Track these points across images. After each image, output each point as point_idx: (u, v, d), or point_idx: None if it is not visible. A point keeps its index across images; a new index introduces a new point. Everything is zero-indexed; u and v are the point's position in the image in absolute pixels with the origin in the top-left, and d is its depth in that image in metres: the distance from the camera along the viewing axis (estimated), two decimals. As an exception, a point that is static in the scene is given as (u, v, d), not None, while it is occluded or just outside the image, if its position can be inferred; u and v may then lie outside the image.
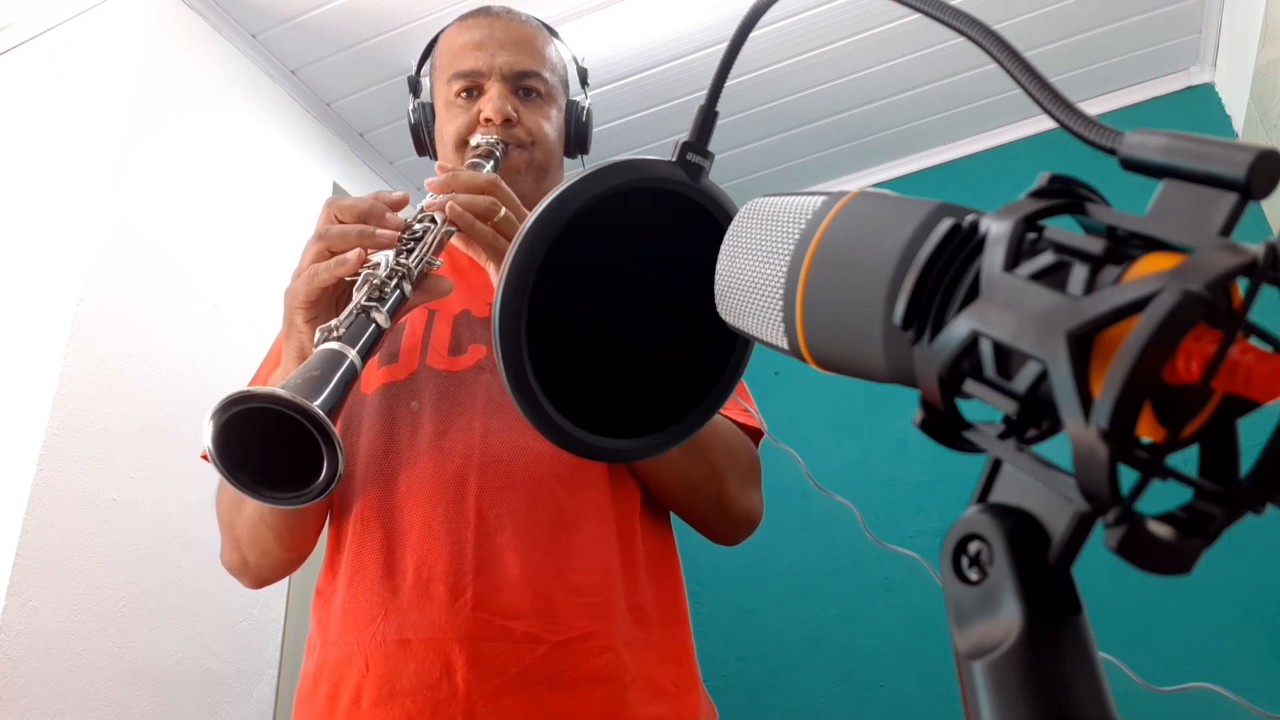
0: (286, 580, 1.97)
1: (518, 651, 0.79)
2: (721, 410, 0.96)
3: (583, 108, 1.10)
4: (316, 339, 0.70)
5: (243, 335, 2.00)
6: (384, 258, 0.77)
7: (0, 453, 1.59)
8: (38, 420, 1.57)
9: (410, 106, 1.10)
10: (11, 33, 2.16)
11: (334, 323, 0.70)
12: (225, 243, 2.03)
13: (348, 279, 0.76)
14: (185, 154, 2.00)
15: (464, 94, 1.02)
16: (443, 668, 0.78)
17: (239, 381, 1.98)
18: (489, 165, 0.93)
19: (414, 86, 1.12)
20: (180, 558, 1.72)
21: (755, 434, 0.97)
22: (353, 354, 0.68)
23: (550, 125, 1.04)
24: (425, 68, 1.13)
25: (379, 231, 0.77)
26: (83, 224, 1.76)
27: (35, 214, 1.87)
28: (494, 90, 1.00)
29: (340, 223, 0.78)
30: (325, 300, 0.78)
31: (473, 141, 0.98)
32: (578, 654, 0.80)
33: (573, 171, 0.71)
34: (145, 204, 1.86)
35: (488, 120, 0.99)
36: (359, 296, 0.72)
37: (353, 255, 0.75)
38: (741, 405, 1.00)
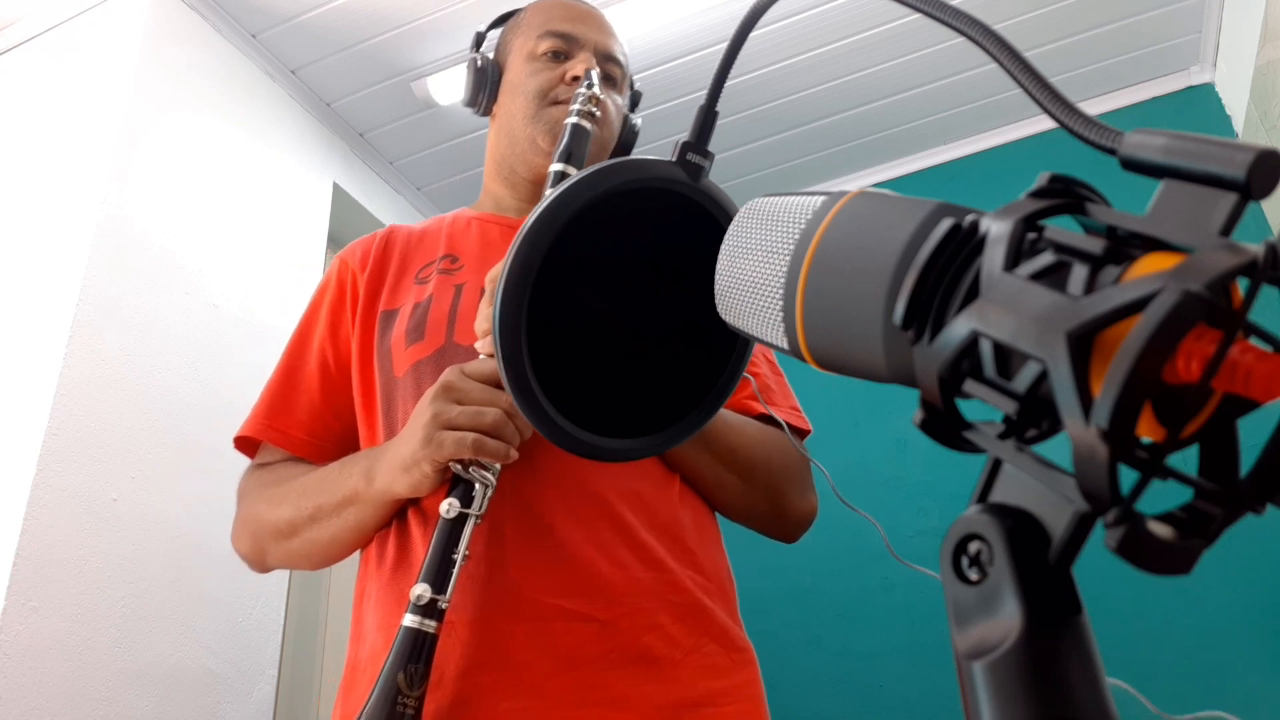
0: (287, 580, 1.98)
1: (566, 630, 0.78)
2: (773, 410, 0.95)
3: (635, 123, 1.13)
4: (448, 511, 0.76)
5: (243, 335, 2.00)
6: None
7: (0, 453, 1.59)
8: (38, 420, 1.57)
9: (475, 57, 1.10)
10: (12, 32, 2.16)
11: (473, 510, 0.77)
12: (225, 243, 2.03)
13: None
14: (185, 154, 2.00)
15: (551, 54, 1.04)
16: (490, 649, 0.77)
17: (239, 381, 1.99)
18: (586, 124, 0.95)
19: (479, 40, 1.12)
20: (180, 558, 1.72)
21: (804, 434, 0.99)
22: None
23: (616, 113, 1.06)
24: (491, 38, 1.14)
25: (512, 453, 0.78)
26: (83, 224, 1.76)
27: (35, 213, 1.87)
28: (585, 56, 1.03)
29: (508, 414, 0.78)
30: None
31: (575, 106, 0.96)
32: (627, 632, 0.79)
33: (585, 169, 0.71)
34: (145, 204, 1.86)
35: (575, 78, 1.01)
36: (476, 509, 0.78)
37: (501, 454, 0.77)
38: (789, 405, 1.00)
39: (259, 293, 2.08)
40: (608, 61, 1.05)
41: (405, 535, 0.86)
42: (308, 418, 0.97)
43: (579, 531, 0.82)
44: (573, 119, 0.94)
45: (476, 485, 0.77)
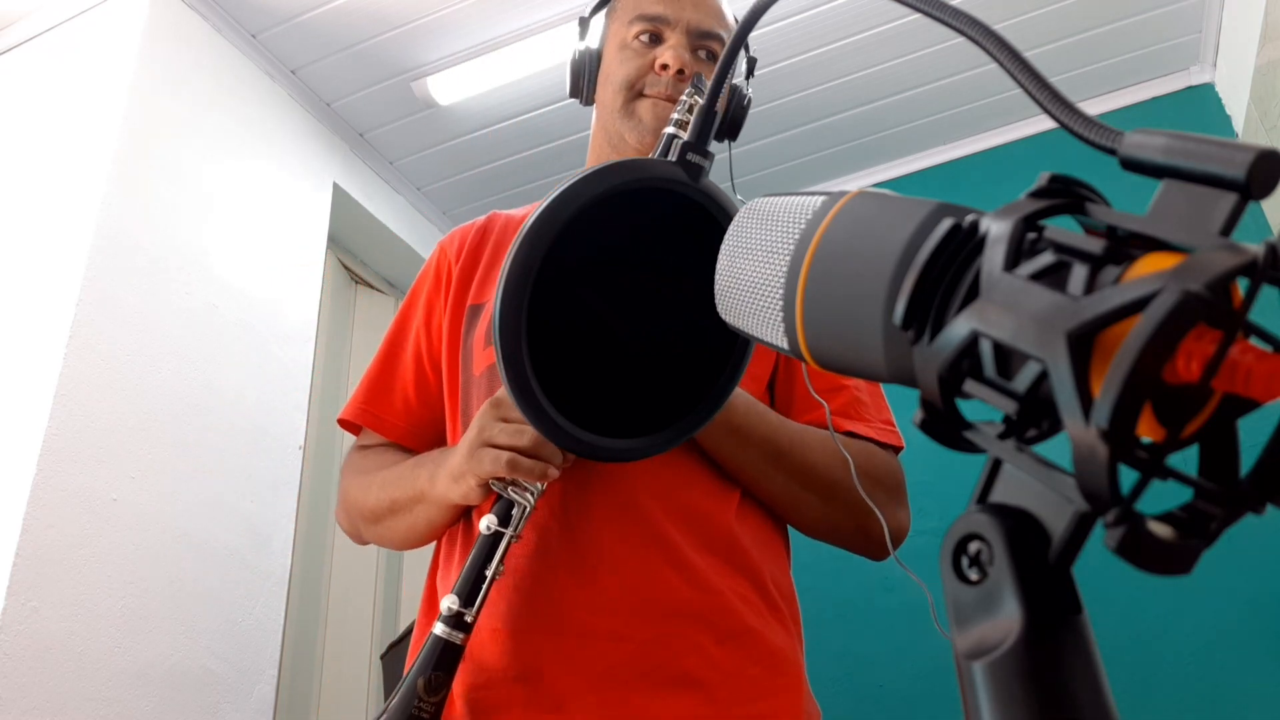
0: (286, 580, 1.98)
1: (604, 649, 0.78)
2: (863, 427, 0.92)
3: (745, 94, 1.06)
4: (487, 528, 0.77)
5: (243, 335, 2.00)
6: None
7: (0, 453, 1.59)
8: (38, 420, 1.57)
9: (577, 47, 1.06)
10: (12, 32, 2.16)
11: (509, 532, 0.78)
12: (225, 243, 2.03)
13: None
14: (185, 154, 2.00)
15: (643, 37, 1.00)
16: (529, 661, 0.78)
17: (239, 381, 1.99)
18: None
19: (583, 26, 1.07)
20: (180, 558, 1.72)
21: (896, 450, 0.96)
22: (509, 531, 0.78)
23: None
24: (594, 20, 1.09)
25: (551, 472, 0.78)
26: (82, 224, 1.76)
27: (35, 213, 1.87)
28: (675, 40, 0.98)
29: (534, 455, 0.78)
30: None
31: (675, 115, 0.87)
32: (666, 653, 0.79)
33: (573, 172, 0.71)
34: (145, 204, 1.86)
35: (664, 67, 0.97)
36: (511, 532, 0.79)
37: (536, 473, 0.77)
38: (881, 419, 0.97)
39: (259, 293, 2.08)
40: (704, 39, 0.99)
41: (469, 535, 0.88)
42: (403, 406, 1.00)
43: (623, 549, 0.82)
44: (670, 129, 0.86)
45: (515, 505, 0.78)
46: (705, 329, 0.66)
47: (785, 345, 0.36)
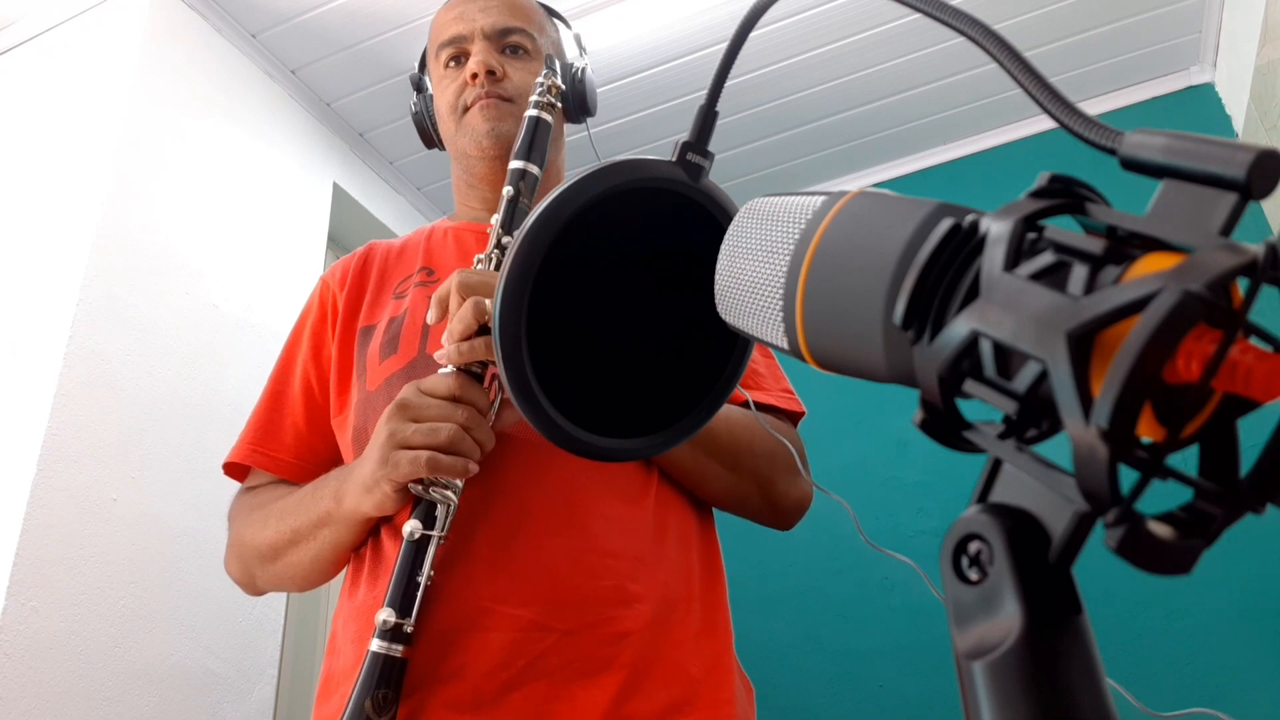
0: (286, 580, 1.98)
1: (525, 641, 0.77)
2: (763, 396, 0.93)
3: (578, 67, 1.06)
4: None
5: (243, 335, 2.00)
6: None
7: (0, 453, 1.59)
8: (38, 420, 1.57)
9: (412, 102, 1.10)
10: (11, 33, 2.16)
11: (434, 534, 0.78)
12: (225, 243, 2.03)
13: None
14: (185, 154, 2.00)
15: (452, 62, 1.02)
16: (449, 662, 0.76)
17: (239, 381, 1.99)
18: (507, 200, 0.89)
19: (417, 84, 1.11)
20: (180, 558, 1.72)
21: (796, 416, 0.97)
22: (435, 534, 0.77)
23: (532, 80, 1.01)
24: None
25: (471, 467, 0.77)
26: (82, 224, 1.76)
27: (35, 214, 1.87)
28: (477, 48, 1.00)
29: (465, 428, 0.76)
30: None
31: (532, 97, 0.92)
32: (589, 642, 0.77)
33: (575, 171, 0.71)
34: (145, 204, 1.86)
35: (473, 76, 0.98)
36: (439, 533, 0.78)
37: (458, 470, 0.76)
38: (780, 388, 0.98)
39: (259, 293, 2.08)
40: (506, 36, 1.01)
41: (379, 551, 0.85)
42: (293, 441, 0.97)
43: (544, 540, 0.80)
44: (531, 111, 0.91)
45: (438, 505, 0.77)
46: (705, 329, 0.66)
47: (785, 345, 0.36)
